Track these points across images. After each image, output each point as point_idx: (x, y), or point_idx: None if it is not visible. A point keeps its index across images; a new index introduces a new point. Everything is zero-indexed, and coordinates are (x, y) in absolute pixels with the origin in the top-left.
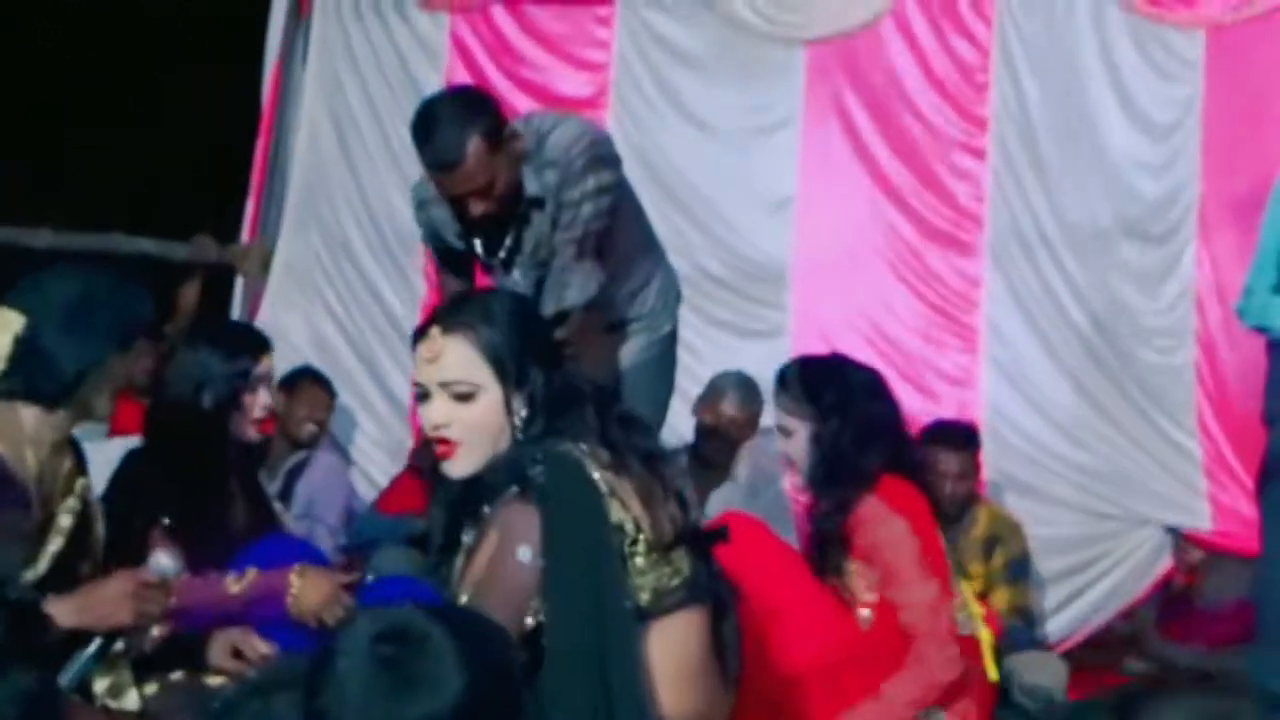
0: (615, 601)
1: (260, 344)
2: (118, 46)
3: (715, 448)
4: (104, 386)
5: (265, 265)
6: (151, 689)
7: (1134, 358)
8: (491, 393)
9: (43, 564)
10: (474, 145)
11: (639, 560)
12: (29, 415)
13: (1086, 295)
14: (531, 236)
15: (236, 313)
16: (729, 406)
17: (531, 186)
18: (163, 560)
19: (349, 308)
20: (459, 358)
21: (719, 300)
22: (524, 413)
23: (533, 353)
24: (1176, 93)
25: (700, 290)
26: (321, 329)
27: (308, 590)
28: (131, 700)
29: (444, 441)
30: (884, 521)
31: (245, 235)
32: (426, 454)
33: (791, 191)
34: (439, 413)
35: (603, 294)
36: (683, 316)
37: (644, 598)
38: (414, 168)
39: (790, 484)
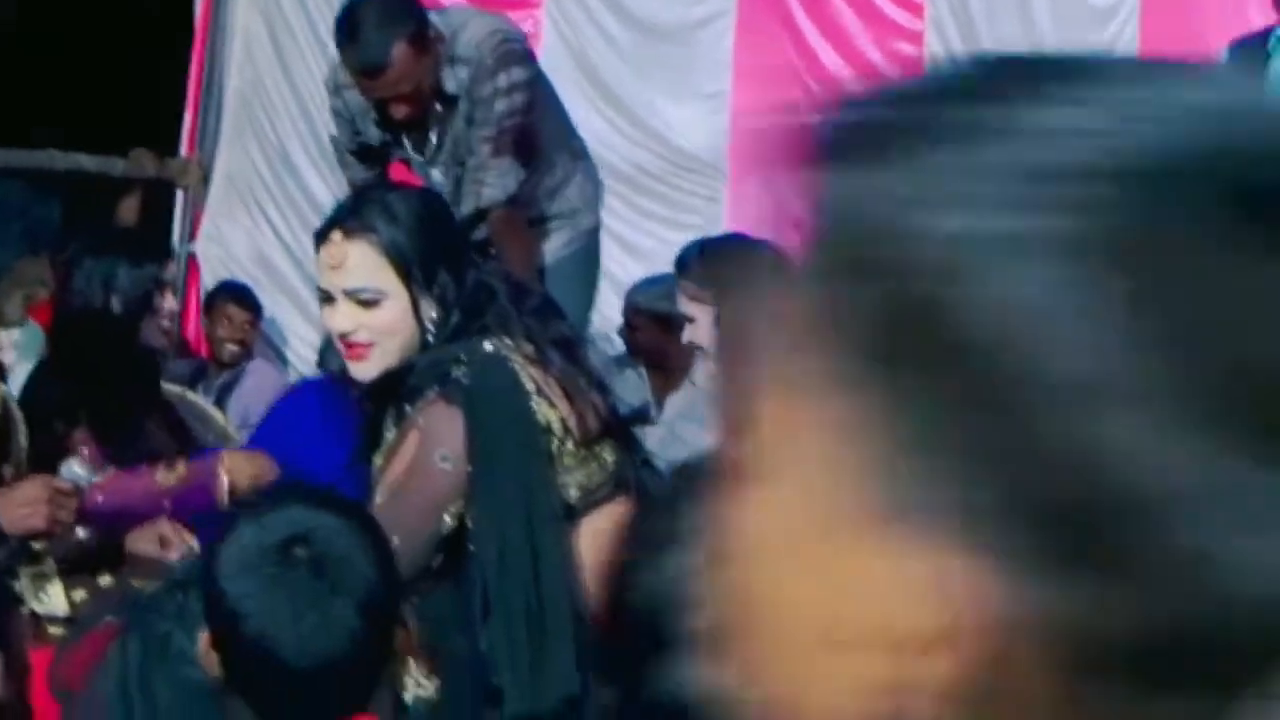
0: (544, 503)
1: (165, 250)
2: None
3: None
4: (13, 290)
5: (205, 179)
6: (80, 594)
7: None
8: (398, 297)
9: None
10: (400, 49)
11: (567, 459)
12: None
13: None
14: (449, 135)
15: (177, 228)
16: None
17: (449, 85)
18: (75, 467)
19: (289, 220)
20: (362, 263)
21: (654, 194)
22: (434, 314)
23: (441, 253)
24: None
25: (635, 185)
26: (263, 241)
27: (239, 473)
28: (60, 605)
29: (352, 345)
30: None
31: (183, 149)
32: (330, 357)
33: (727, 85)
34: (345, 319)
35: (521, 190)
36: (616, 210)
37: (572, 494)
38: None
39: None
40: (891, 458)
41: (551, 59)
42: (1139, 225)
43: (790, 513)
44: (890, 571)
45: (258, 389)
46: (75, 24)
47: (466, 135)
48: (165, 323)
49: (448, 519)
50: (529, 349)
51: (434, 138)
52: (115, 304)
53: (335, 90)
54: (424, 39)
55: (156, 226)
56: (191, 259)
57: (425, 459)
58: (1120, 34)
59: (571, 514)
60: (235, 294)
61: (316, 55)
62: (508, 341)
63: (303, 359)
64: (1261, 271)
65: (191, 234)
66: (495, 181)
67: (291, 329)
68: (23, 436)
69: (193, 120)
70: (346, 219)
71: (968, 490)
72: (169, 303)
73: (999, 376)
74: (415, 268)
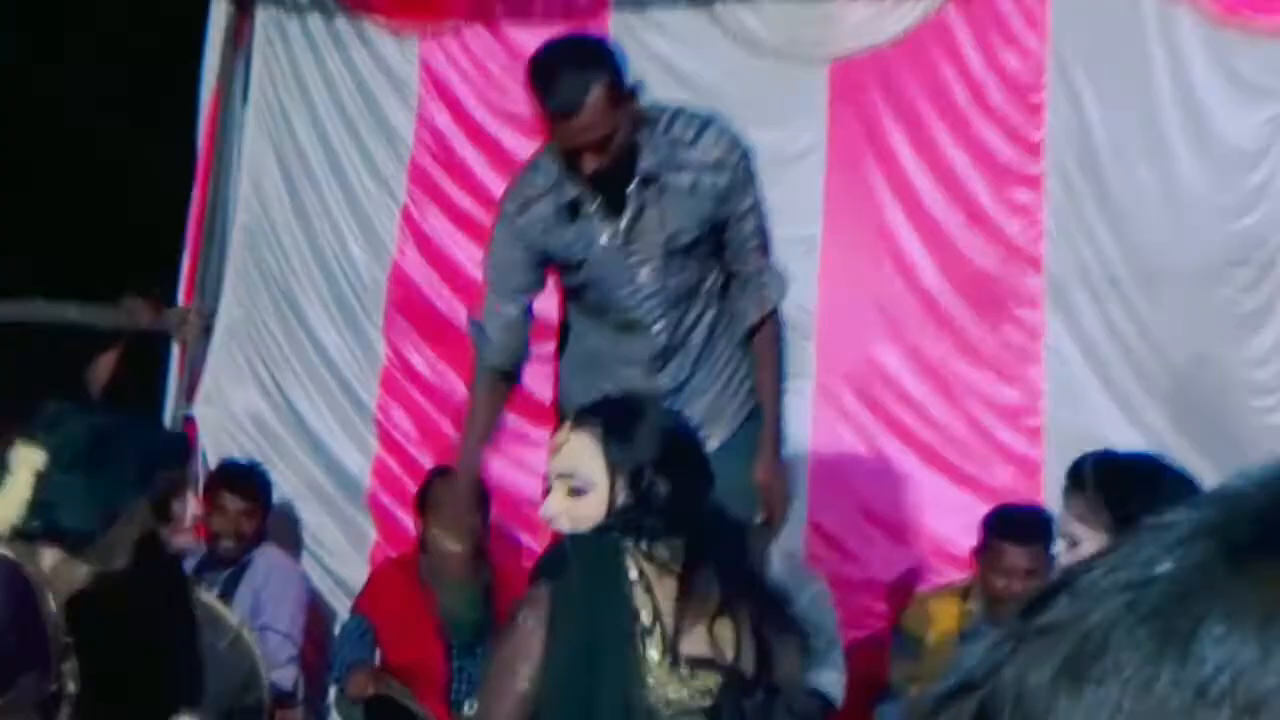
0: (612, 688)
1: (184, 447)
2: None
3: None
4: (129, 531)
5: (205, 331)
6: None
7: (1224, 415)
8: (602, 490)
9: None
10: (596, 94)
11: (653, 654)
12: (50, 558)
13: (1165, 346)
14: (655, 216)
15: (173, 385)
16: None
17: (646, 161)
18: None
19: (300, 377)
20: (579, 452)
21: None
22: (624, 504)
23: (659, 458)
24: (1261, 113)
25: None
26: (268, 403)
27: None
28: None
29: (557, 536)
30: None
31: (181, 297)
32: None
33: (817, 230)
34: (551, 504)
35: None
36: None
37: (652, 700)
38: (378, 213)
39: None
40: None
41: None
42: None
43: None
44: None
45: (267, 577)
46: (55, 149)
47: (694, 230)
48: (189, 522)
49: (525, 682)
50: (662, 554)
51: (628, 216)
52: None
53: (523, 207)
54: (619, 88)
55: (147, 386)
56: (188, 423)
57: (511, 621)
58: (1271, 180)
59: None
60: (231, 480)
61: (334, 190)
62: (641, 544)
63: (316, 540)
64: None
65: (189, 395)
66: (773, 284)
67: (303, 505)
68: None
69: (191, 265)
70: (583, 411)
71: None
72: (190, 505)
73: None
74: (624, 462)
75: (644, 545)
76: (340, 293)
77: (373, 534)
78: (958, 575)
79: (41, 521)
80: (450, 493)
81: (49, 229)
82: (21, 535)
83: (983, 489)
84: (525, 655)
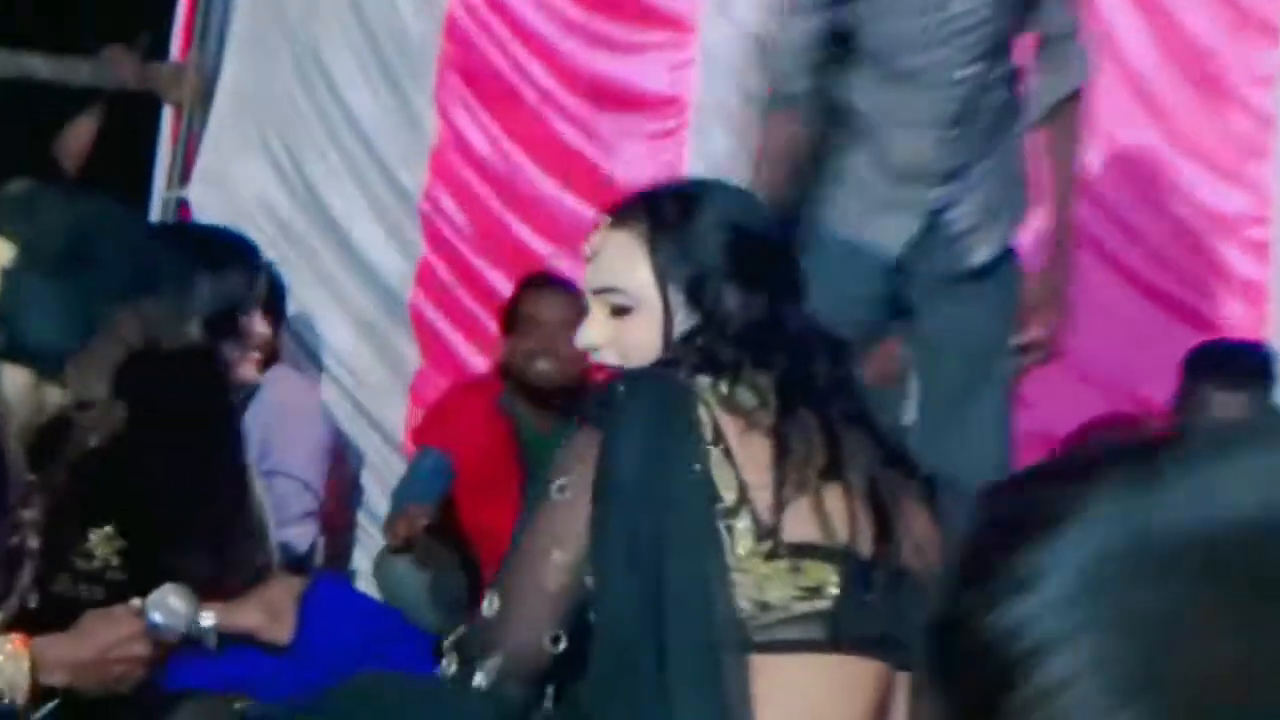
0: (687, 590)
1: (253, 250)
2: None
3: None
4: (112, 350)
5: (205, 92)
6: None
7: None
8: (651, 309)
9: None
10: None
11: (742, 543)
12: (15, 380)
13: None
14: None
15: (163, 159)
16: None
17: None
18: (172, 601)
19: (326, 155)
20: (620, 258)
21: None
22: (684, 326)
23: (729, 263)
24: None
25: None
26: (283, 185)
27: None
28: None
29: (597, 368)
30: None
31: (176, 50)
32: None
33: None
34: (589, 329)
35: None
36: None
37: (744, 606)
38: None
39: None
40: None
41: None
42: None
43: None
44: None
45: (280, 410)
46: None
47: None
48: (251, 365)
49: (558, 563)
50: (747, 399)
51: None
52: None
53: None
54: None
55: (130, 161)
56: (182, 207)
57: (538, 494)
58: None
59: (740, 630)
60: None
61: None
62: (719, 383)
63: (342, 364)
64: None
65: (184, 174)
66: (1081, 55)
67: (325, 319)
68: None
69: (189, 8)
70: (624, 203)
71: None
72: (258, 323)
73: None
74: (675, 271)
75: (722, 387)
76: (380, 47)
77: (415, 357)
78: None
79: (4, 335)
80: (553, 308)
81: None
82: None
83: (1198, 320)
84: (562, 538)
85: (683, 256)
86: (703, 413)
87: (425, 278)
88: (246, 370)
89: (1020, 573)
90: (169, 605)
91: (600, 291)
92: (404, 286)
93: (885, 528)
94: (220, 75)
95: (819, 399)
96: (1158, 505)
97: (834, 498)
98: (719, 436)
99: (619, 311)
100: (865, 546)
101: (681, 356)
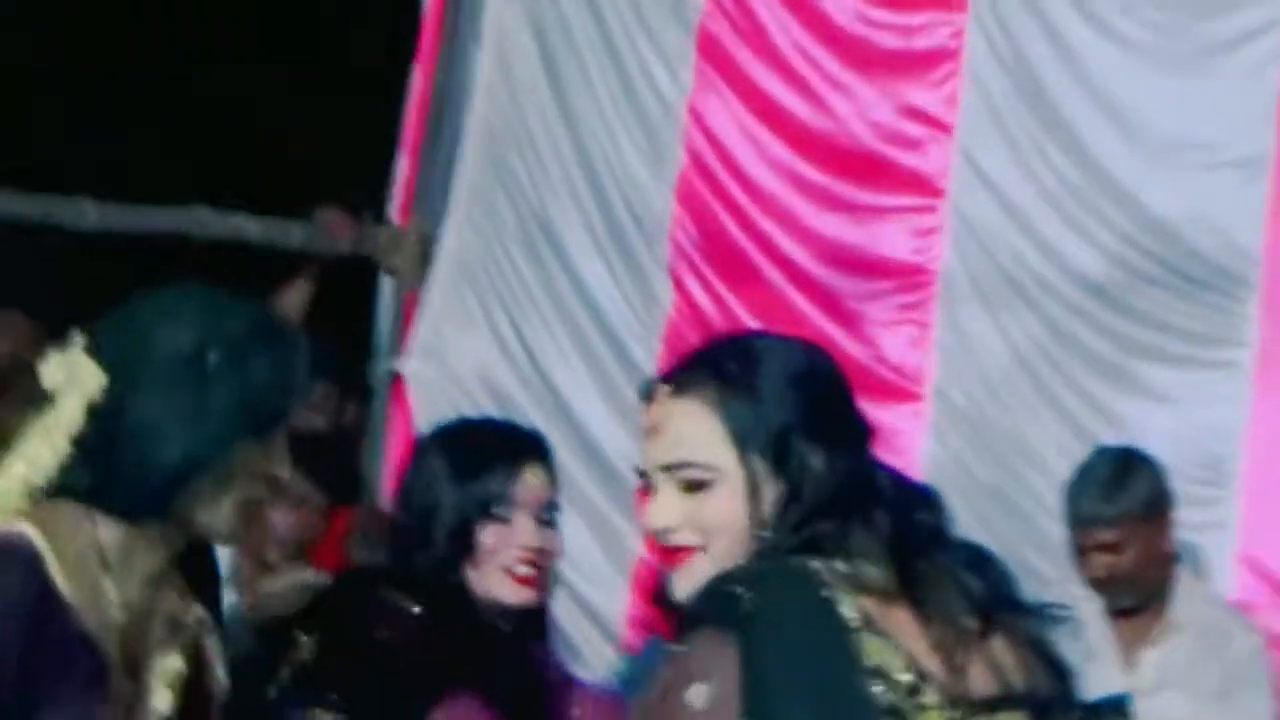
0: None
1: (525, 447)
2: None
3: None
4: (222, 493)
5: (424, 258)
6: None
7: None
8: (733, 479)
9: None
10: None
11: (932, 716)
12: (110, 530)
13: None
14: None
15: (383, 330)
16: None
17: None
18: None
19: (551, 327)
20: (690, 428)
21: (1131, 312)
22: (776, 502)
23: (807, 420)
24: None
25: (1104, 295)
26: (505, 359)
27: None
28: None
29: (672, 551)
30: None
31: (395, 213)
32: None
33: (1266, 147)
34: (660, 510)
35: None
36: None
37: None
38: (663, 108)
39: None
40: None
41: (977, 88)
42: None
43: None
44: None
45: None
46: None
47: None
48: (516, 564)
49: None
50: (874, 576)
51: None
52: (438, 532)
53: None
54: None
55: (349, 329)
56: (396, 381)
57: (670, 699)
58: None
59: None
60: None
61: (607, 72)
62: (838, 565)
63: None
64: None
65: (400, 342)
66: None
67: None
68: (217, 685)
69: (410, 171)
70: (681, 369)
71: None
72: (522, 535)
73: None
74: (754, 435)
75: (839, 566)
76: (612, 213)
77: (638, 547)
78: None
79: (88, 474)
80: None
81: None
82: (60, 493)
83: None
84: None
85: (759, 419)
86: (841, 599)
87: None
88: (499, 589)
89: None
90: None
91: (671, 468)
92: (629, 468)
93: (1047, 664)
94: (441, 241)
95: (926, 549)
96: None
97: (998, 647)
98: (868, 619)
99: (694, 487)
100: (1044, 685)
101: (780, 540)
